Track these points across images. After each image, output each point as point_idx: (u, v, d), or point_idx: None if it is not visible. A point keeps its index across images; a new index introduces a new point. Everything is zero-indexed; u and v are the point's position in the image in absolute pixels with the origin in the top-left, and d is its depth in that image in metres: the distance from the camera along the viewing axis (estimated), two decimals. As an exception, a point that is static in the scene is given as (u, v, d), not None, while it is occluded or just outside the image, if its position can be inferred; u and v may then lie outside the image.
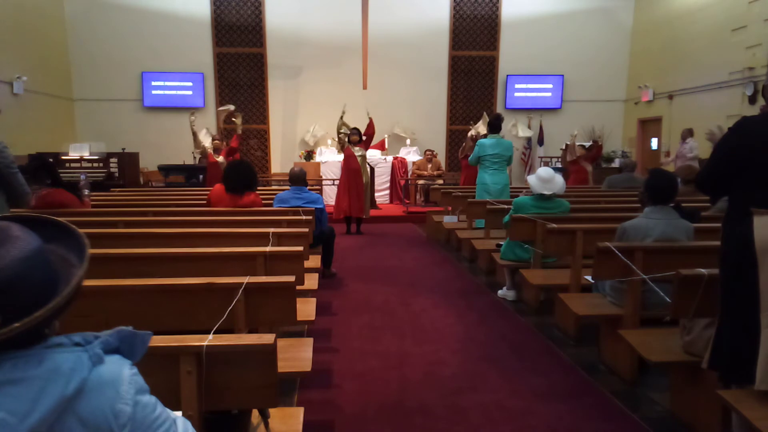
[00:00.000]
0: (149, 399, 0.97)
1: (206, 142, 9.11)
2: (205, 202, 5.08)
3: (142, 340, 1.03)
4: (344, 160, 8.48)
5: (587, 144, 11.29)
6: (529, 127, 13.00)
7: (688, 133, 9.30)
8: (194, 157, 11.71)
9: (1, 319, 0.83)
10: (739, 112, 8.72)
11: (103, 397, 0.90)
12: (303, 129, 12.92)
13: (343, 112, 8.75)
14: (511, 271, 5.03)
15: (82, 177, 8.96)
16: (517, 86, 13.08)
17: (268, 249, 2.97)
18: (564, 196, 4.88)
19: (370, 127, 8.63)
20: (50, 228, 1.01)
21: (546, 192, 4.64)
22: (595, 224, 4.19)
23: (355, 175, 8.33)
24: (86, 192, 5.35)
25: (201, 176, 10.10)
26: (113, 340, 0.98)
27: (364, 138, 8.47)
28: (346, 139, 8.44)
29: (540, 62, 12.93)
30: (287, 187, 5.63)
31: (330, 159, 11.59)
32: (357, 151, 8.33)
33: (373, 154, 11.56)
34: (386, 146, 12.52)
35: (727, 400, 2.12)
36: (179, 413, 1.63)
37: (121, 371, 0.94)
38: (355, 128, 8.48)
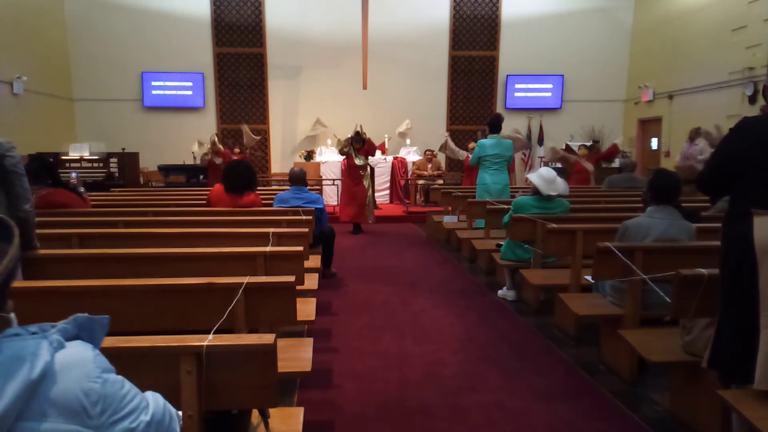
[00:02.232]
0: (116, 377, 0.98)
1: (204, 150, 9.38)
2: (205, 202, 5.08)
3: (101, 323, 1.03)
4: (346, 167, 8.57)
5: (588, 144, 11.29)
6: (529, 128, 13.02)
7: (697, 134, 9.19)
8: (194, 157, 11.73)
9: None
10: (739, 112, 8.72)
11: (71, 379, 0.90)
12: (303, 129, 12.93)
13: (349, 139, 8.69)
14: (511, 271, 5.02)
15: (73, 175, 8.94)
16: (517, 86, 13.08)
17: (268, 249, 2.97)
18: (565, 196, 4.89)
19: (370, 146, 8.68)
20: None
21: (552, 193, 4.65)
22: (595, 224, 4.19)
23: (355, 184, 8.48)
24: (82, 189, 5.37)
25: (201, 176, 10.14)
26: (71, 328, 0.98)
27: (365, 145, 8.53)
28: (350, 150, 8.44)
29: (540, 62, 12.93)
30: (287, 187, 5.64)
31: (330, 159, 11.59)
32: (358, 160, 8.40)
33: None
34: (386, 147, 12.52)
35: (727, 400, 2.12)
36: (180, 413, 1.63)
37: (84, 353, 0.95)
38: (356, 134, 8.50)
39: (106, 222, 4.21)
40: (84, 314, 1.01)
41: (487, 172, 6.63)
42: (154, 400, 1.06)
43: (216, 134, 9.99)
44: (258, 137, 11.79)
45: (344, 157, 8.65)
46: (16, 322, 0.98)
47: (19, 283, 2.51)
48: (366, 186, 8.57)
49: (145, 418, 1.00)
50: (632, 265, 3.13)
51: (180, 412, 1.16)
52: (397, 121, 12.65)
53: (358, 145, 8.37)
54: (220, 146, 9.52)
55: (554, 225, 4.01)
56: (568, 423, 2.80)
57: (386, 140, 12.54)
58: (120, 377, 0.99)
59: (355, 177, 8.49)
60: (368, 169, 8.79)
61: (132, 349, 1.58)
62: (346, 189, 8.60)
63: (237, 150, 10.51)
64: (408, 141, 12.50)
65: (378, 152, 12.03)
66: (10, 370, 0.85)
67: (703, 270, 2.54)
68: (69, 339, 0.96)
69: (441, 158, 12.30)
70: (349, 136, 8.63)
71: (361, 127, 8.83)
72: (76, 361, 0.92)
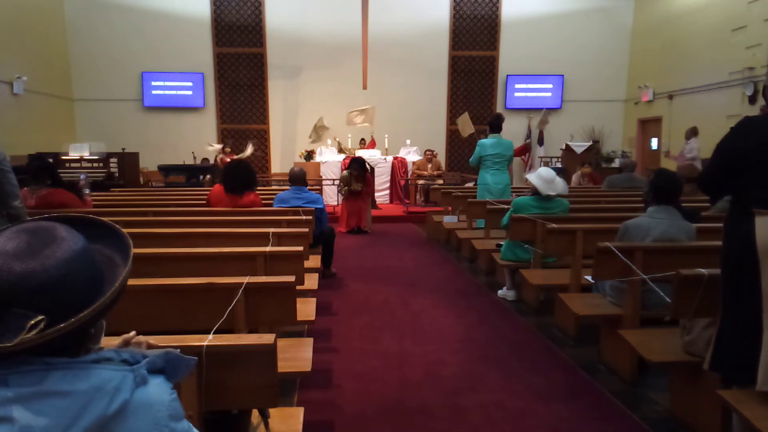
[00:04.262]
0: (183, 426, 0.98)
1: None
2: (204, 202, 5.08)
3: (187, 364, 1.05)
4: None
5: (586, 144, 11.32)
6: (529, 127, 13.03)
7: (692, 133, 9.28)
8: (194, 157, 11.73)
9: (48, 320, 0.83)
10: (739, 112, 8.72)
11: (141, 421, 0.90)
12: (303, 129, 12.93)
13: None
14: (511, 271, 5.02)
15: (82, 177, 8.96)
16: (517, 86, 13.09)
17: (268, 249, 2.97)
18: (564, 195, 4.89)
19: (371, 185, 8.74)
20: (94, 228, 1.02)
21: (552, 193, 4.66)
22: (595, 224, 4.19)
23: (356, 201, 8.56)
24: (87, 191, 5.35)
25: (201, 176, 10.14)
26: (160, 361, 0.99)
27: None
28: (349, 185, 8.47)
29: (540, 62, 12.94)
30: (287, 187, 5.63)
31: (330, 159, 11.59)
32: (357, 186, 8.49)
33: (373, 154, 11.57)
34: (386, 146, 12.51)
35: (727, 400, 2.12)
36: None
37: (162, 396, 0.95)
38: (354, 162, 8.50)
39: (106, 222, 4.20)
40: (176, 351, 1.03)
41: (488, 172, 6.62)
42: None
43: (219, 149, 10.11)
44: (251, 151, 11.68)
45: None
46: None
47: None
48: (366, 201, 8.73)
49: None
50: (632, 265, 3.13)
51: None
52: (398, 120, 12.64)
53: (356, 173, 8.41)
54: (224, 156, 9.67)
55: (554, 225, 4.01)
56: (568, 423, 2.80)
57: (386, 139, 12.54)
58: (187, 426, 0.99)
59: (355, 197, 8.59)
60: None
61: (132, 349, 1.58)
62: (346, 206, 8.69)
63: (228, 150, 10.47)
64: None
65: (377, 152, 12.07)
66: (89, 402, 0.85)
67: (703, 270, 2.54)
68: (153, 372, 0.97)
69: (441, 158, 12.32)
70: (347, 171, 8.60)
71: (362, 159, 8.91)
72: (150, 404, 0.92)
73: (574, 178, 9.37)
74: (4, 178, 2.73)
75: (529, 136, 13.02)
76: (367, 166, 8.87)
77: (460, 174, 12.12)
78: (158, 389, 0.95)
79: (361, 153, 11.18)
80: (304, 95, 12.86)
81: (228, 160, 9.79)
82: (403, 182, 11.46)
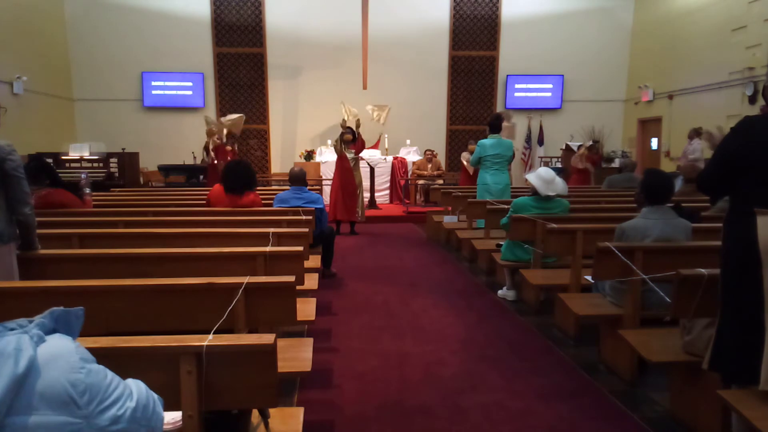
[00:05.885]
0: (98, 366, 1.00)
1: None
2: (204, 202, 5.08)
3: (76, 315, 1.05)
4: (337, 160, 8.52)
5: (589, 143, 11.29)
6: (529, 127, 13.02)
7: (695, 133, 9.27)
8: (194, 157, 11.72)
9: None
10: (739, 112, 8.71)
11: (57, 370, 0.91)
12: (303, 129, 12.93)
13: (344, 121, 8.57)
14: (511, 271, 5.02)
15: (83, 176, 8.96)
16: (517, 86, 13.09)
17: (268, 249, 2.98)
18: (564, 195, 4.89)
19: (361, 143, 8.62)
20: None
21: (551, 193, 4.66)
22: (595, 224, 4.19)
23: (347, 176, 8.36)
24: (87, 191, 5.34)
25: (201, 176, 10.13)
26: (48, 322, 1.00)
27: (357, 139, 8.49)
28: (340, 144, 8.38)
29: (540, 62, 12.93)
30: (287, 187, 5.64)
31: (330, 159, 11.58)
32: (349, 153, 8.35)
33: (373, 154, 11.56)
34: (386, 146, 12.52)
35: (727, 400, 2.12)
36: (179, 413, 1.63)
37: (67, 345, 0.97)
38: (348, 127, 8.48)
39: (106, 222, 4.20)
40: (59, 308, 1.03)
41: (488, 172, 6.63)
42: (136, 386, 1.08)
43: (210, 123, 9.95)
44: (230, 119, 10.91)
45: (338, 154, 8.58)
46: None
47: (19, 283, 2.52)
48: (357, 179, 8.48)
49: (131, 404, 1.02)
50: (632, 265, 3.13)
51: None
52: (398, 121, 12.64)
53: (349, 136, 8.29)
54: (215, 138, 9.51)
55: (554, 225, 4.01)
56: (568, 423, 2.80)
57: (385, 139, 12.54)
58: (101, 366, 1.01)
59: (345, 167, 8.37)
60: (360, 162, 8.75)
61: (132, 349, 1.58)
62: (336, 184, 8.44)
63: (228, 148, 10.43)
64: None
65: (377, 151, 12.08)
66: None
67: (703, 270, 2.54)
68: (47, 333, 0.98)
69: (441, 158, 12.29)
70: (338, 140, 8.47)
71: (357, 121, 8.82)
72: (58, 353, 0.94)
73: (573, 158, 9.37)
74: (17, 185, 2.74)
75: (529, 136, 13.03)
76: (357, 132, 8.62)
77: (460, 174, 12.11)
78: (60, 341, 0.97)
79: (362, 153, 11.12)
80: (304, 95, 12.86)
81: (228, 148, 9.73)
82: (403, 182, 11.46)
